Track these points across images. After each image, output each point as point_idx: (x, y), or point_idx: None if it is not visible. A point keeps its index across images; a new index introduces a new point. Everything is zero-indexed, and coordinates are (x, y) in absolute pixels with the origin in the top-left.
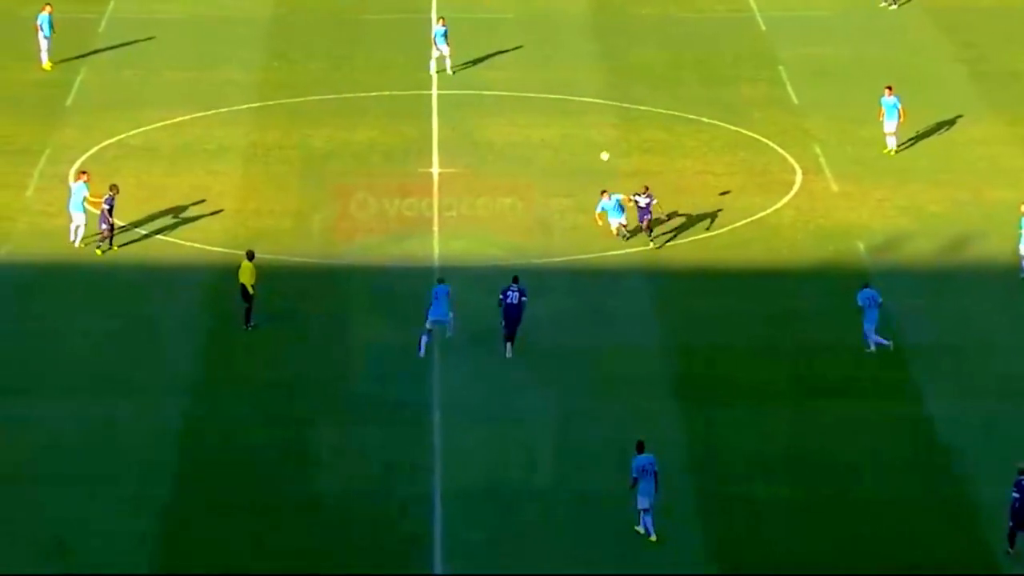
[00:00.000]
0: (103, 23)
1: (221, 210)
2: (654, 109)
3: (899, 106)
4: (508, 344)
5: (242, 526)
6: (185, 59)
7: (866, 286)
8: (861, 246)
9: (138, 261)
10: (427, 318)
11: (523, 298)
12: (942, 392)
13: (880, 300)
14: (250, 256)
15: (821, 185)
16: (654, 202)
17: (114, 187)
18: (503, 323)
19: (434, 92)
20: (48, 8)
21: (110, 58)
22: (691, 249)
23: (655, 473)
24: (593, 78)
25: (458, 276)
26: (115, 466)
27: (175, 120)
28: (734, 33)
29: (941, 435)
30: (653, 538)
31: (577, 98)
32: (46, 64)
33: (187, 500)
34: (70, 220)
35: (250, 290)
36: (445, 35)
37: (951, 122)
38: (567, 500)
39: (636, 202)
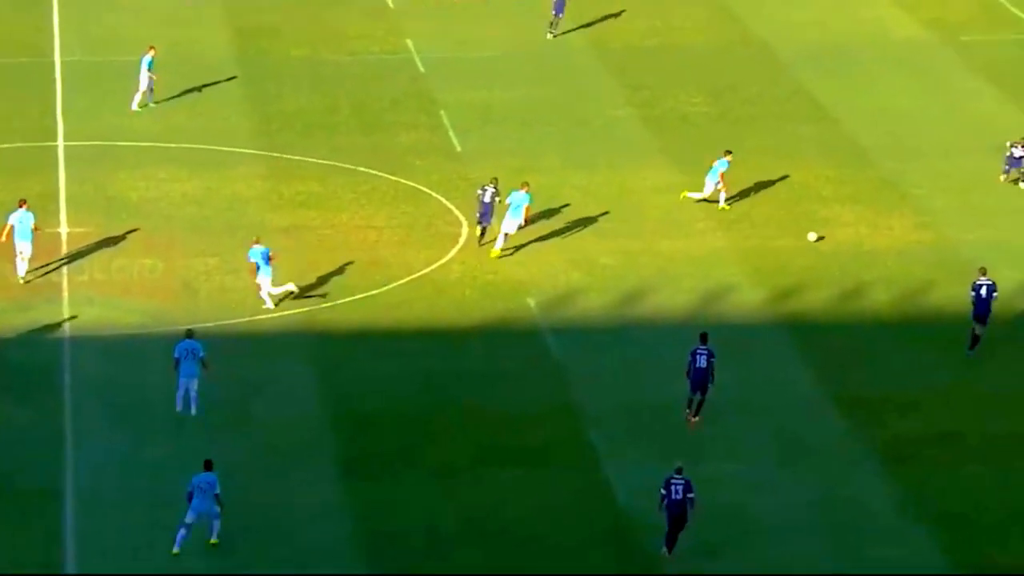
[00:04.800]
0: None
1: None
2: (308, 159)
3: (527, 204)
4: None
5: None
6: None
7: (188, 336)
8: (532, 302)
9: None
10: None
11: None
12: (620, 454)
13: (203, 354)
14: None
15: (489, 238)
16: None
17: None
18: None
19: (60, 143)
20: None
21: None
22: (351, 310)
23: (216, 496)
24: (240, 126)
25: (92, 347)
26: None
27: None
28: (391, 76)
29: (619, 500)
30: (176, 551)
31: (223, 148)
32: None
33: None
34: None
35: None
36: (151, 65)
37: (623, 169)
38: None
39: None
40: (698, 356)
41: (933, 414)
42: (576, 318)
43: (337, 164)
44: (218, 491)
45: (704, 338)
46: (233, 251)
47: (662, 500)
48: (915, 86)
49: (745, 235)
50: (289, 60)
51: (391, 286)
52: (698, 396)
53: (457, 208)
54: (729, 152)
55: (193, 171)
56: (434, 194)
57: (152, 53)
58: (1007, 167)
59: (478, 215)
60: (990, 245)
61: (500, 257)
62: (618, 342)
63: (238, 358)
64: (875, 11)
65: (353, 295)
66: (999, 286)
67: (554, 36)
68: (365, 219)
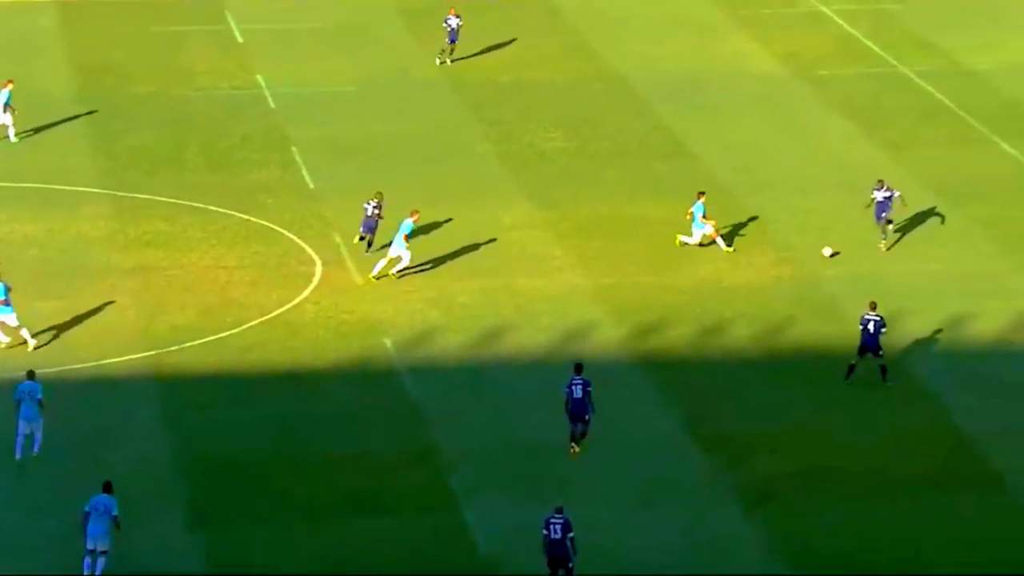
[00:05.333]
0: None
1: None
2: (155, 197)
3: (405, 232)
4: None
5: None
6: None
7: (30, 377)
8: (388, 342)
9: None
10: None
11: None
12: (481, 496)
13: (40, 396)
14: None
15: (343, 277)
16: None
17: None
18: None
19: None
20: None
21: None
22: (201, 353)
23: (114, 517)
24: (85, 164)
25: None
26: None
27: None
28: (241, 112)
29: (480, 546)
30: None
31: (66, 187)
32: None
33: None
34: None
35: None
36: (10, 99)
37: (480, 206)
38: None
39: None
40: (574, 387)
41: (795, 452)
42: (434, 358)
43: (186, 203)
44: (116, 513)
45: (579, 368)
46: (78, 294)
47: (544, 541)
48: (773, 121)
49: (604, 272)
50: (135, 97)
51: (243, 328)
52: (579, 427)
53: (310, 247)
54: (702, 193)
55: (35, 212)
56: (286, 233)
57: (10, 87)
58: (879, 214)
59: (361, 226)
60: (849, 280)
61: (376, 279)
62: (476, 382)
63: (84, 404)
64: (732, 46)
65: (203, 337)
66: (861, 321)
67: (447, 62)
68: (215, 259)
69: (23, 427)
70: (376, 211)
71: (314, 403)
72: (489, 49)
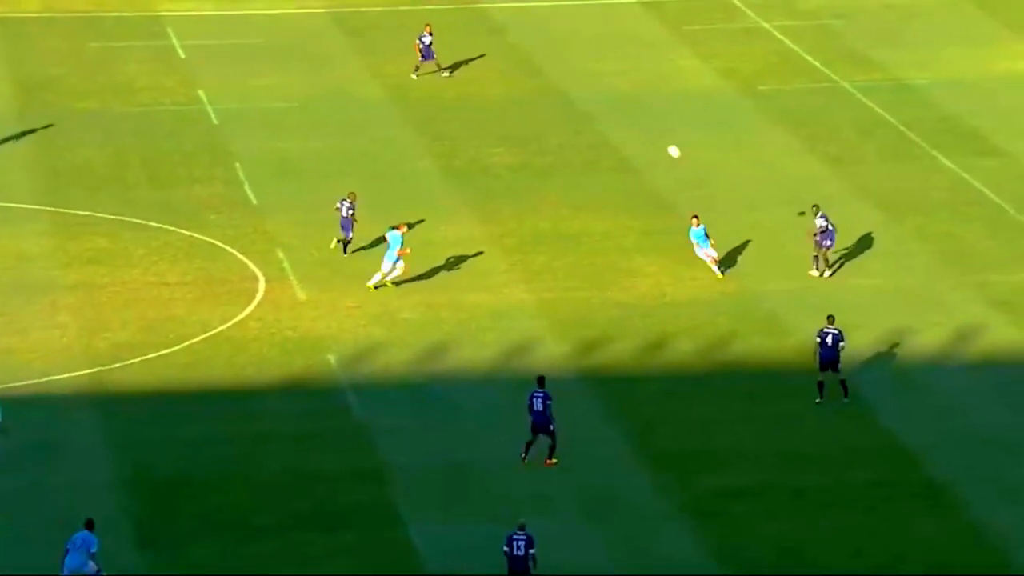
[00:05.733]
0: None
1: None
2: (96, 214)
3: (398, 246)
4: None
5: None
6: None
7: None
8: (332, 359)
9: None
10: None
11: None
12: (425, 514)
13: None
14: None
15: (286, 293)
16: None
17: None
18: None
19: None
20: None
21: None
22: (143, 370)
23: (92, 553)
24: (25, 181)
25: None
26: None
27: None
28: (184, 128)
29: (428, 563)
30: None
31: (7, 204)
32: None
33: None
34: None
35: None
36: None
37: (425, 222)
38: None
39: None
40: (534, 400)
41: (740, 466)
42: (377, 374)
43: (128, 219)
44: (94, 550)
45: (541, 381)
46: (19, 311)
47: (507, 557)
48: (715, 136)
49: (547, 287)
50: (75, 113)
51: (186, 344)
52: (542, 439)
53: (253, 263)
54: (695, 216)
55: None
56: (229, 249)
57: None
58: (822, 241)
59: (341, 229)
60: (792, 295)
61: (376, 288)
62: (420, 398)
63: (26, 423)
64: (675, 62)
65: (146, 354)
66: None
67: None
68: (158, 275)
69: None
70: (351, 211)
71: (257, 420)
72: (432, 64)
